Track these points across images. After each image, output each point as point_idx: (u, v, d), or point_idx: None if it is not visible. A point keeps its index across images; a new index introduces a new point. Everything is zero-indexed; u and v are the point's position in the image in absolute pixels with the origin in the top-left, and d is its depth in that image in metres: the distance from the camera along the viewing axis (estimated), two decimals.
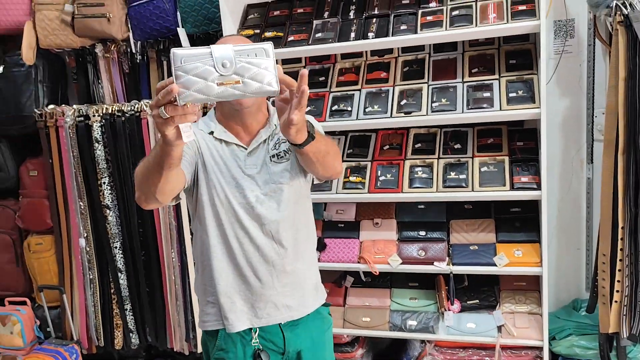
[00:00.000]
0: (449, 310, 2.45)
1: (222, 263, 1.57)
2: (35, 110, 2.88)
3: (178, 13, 2.65)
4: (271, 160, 1.58)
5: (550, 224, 2.51)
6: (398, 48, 2.57)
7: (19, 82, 2.92)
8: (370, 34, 2.33)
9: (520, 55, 2.38)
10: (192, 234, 1.81)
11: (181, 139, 1.14)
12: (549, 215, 2.28)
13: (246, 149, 1.58)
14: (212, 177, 1.55)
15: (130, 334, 2.92)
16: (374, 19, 2.38)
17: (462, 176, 2.36)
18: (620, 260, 2.09)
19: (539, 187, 2.23)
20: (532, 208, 2.43)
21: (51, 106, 2.89)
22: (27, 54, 2.82)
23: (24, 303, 3.08)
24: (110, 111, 2.73)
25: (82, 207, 2.85)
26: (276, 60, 1.18)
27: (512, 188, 2.27)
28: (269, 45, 1.10)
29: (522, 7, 2.19)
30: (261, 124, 1.61)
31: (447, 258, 2.43)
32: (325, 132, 2.64)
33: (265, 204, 1.56)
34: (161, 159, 1.25)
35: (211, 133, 1.59)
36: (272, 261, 1.57)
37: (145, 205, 1.46)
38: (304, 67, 2.70)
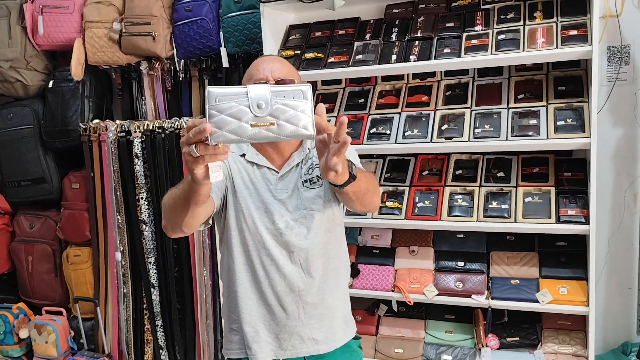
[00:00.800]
0: (487, 346, 2.32)
1: (247, 291, 1.52)
2: (80, 124, 2.95)
3: (221, 33, 2.68)
4: (303, 185, 1.53)
5: (599, 261, 2.37)
6: (441, 72, 2.50)
7: (67, 96, 3.00)
8: (412, 57, 2.28)
9: (570, 81, 2.28)
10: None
11: (209, 179, 1.11)
12: (598, 251, 2.15)
13: (278, 172, 1.54)
14: (241, 202, 1.51)
15: (160, 351, 2.91)
16: (417, 42, 2.33)
17: (505, 206, 2.25)
18: None
19: (587, 221, 2.10)
20: (579, 243, 2.29)
21: (95, 121, 2.96)
22: (76, 69, 2.91)
23: (60, 313, 3.13)
24: (150, 127, 2.76)
25: (120, 221, 2.89)
26: (314, 94, 1.14)
27: (559, 221, 2.15)
28: (307, 88, 1.06)
29: (573, 32, 2.10)
30: (294, 147, 1.57)
31: (486, 291, 2.31)
32: (363, 156, 2.64)
33: (295, 230, 1.50)
34: (188, 195, 1.22)
35: (243, 155, 1.56)
36: (298, 291, 1.51)
37: (171, 234, 1.44)
38: (344, 88, 2.67)
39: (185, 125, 2.68)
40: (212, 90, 1.02)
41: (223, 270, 1.60)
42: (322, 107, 1.13)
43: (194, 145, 1.04)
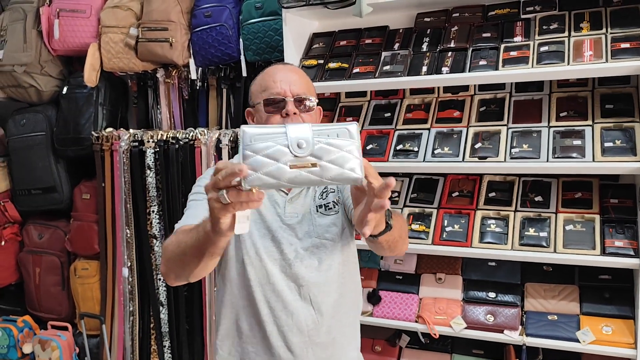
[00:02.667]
0: None
1: (248, 330, 1.36)
2: (93, 132, 2.84)
3: (241, 40, 2.55)
4: (317, 211, 1.39)
5: None
6: (475, 85, 2.32)
7: (80, 103, 2.90)
8: (445, 69, 2.10)
9: (618, 99, 2.07)
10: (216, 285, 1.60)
11: (232, 230, 0.97)
12: None
13: (287, 194, 1.39)
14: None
15: None
16: (450, 53, 2.15)
17: (543, 234, 2.05)
18: None
19: (636, 254, 1.90)
20: (624, 277, 2.08)
21: (109, 129, 2.85)
22: (90, 75, 2.80)
23: (65, 328, 3.01)
24: (164, 138, 2.63)
25: (129, 235, 2.75)
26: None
27: (604, 253, 1.94)
28: (353, 127, 0.95)
29: (624, 45, 1.90)
30: None
31: (520, 327, 2.11)
32: (388, 174, 2.45)
33: (305, 261, 1.35)
34: (203, 246, 1.08)
35: None
36: (307, 331, 1.34)
37: (172, 283, 1.29)
38: (369, 101, 2.50)
39: (200, 137, 2.55)
40: (247, 130, 0.91)
41: (220, 305, 1.43)
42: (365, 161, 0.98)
43: (224, 191, 0.91)
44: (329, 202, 1.39)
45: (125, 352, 2.83)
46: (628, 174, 2.00)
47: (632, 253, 1.91)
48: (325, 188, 1.42)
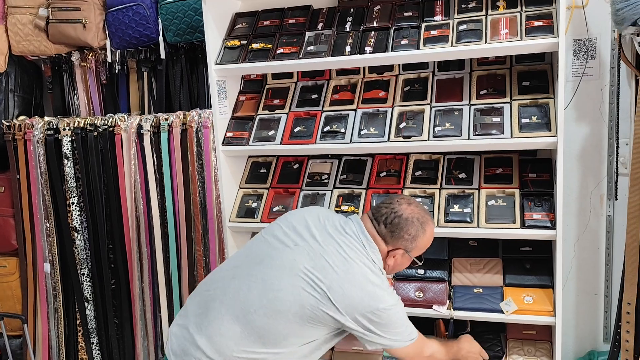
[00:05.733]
0: None
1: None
2: (4, 121, 2.66)
3: (159, 20, 2.43)
4: None
5: (565, 266, 2.25)
6: (399, 65, 2.33)
7: None
8: (368, 49, 2.09)
9: (534, 76, 2.13)
10: None
11: None
12: (564, 256, 2.02)
13: None
14: None
15: None
16: (372, 33, 2.14)
17: (467, 210, 2.09)
18: None
19: (553, 226, 1.97)
20: (544, 248, 2.16)
21: (21, 117, 2.67)
22: None
23: None
24: (82, 125, 2.49)
25: (49, 229, 2.61)
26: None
27: (523, 225, 2.00)
28: None
29: (538, 23, 1.95)
30: None
31: (448, 301, 2.15)
32: (317, 156, 2.45)
33: None
34: None
35: None
36: None
37: None
38: (296, 82, 2.46)
39: (120, 123, 2.43)
40: None
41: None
42: None
43: None
44: None
45: (51, 352, 2.70)
46: (544, 148, 2.06)
47: (549, 225, 1.98)
48: None
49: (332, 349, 2.38)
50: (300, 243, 1.64)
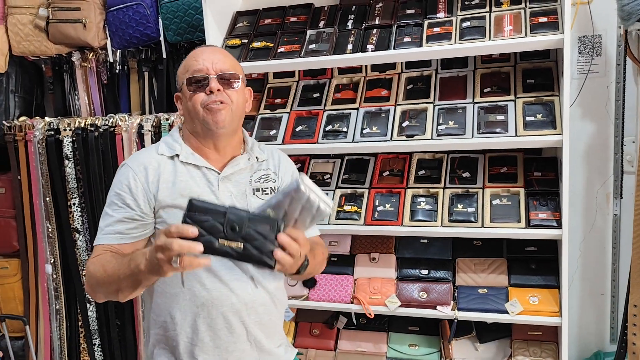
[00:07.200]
0: None
1: (181, 319, 1.37)
2: (4, 122, 2.64)
3: (160, 20, 2.41)
4: (253, 194, 1.41)
5: (571, 266, 2.22)
6: (401, 63, 2.30)
7: None
8: (370, 47, 2.06)
9: (539, 74, 2.10)
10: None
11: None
12: (570, 256, 1.99)
13: (219, 173, 1.39)
14: (169, 216, 1.34)
15: None
16: (375, 30, 2.12)
17: (471, 209, 2.07)
18: None
19: (559, 225, 1.94)
20: (550, 248, 2.14)
21: (22, 118, 2.66)
22: None
23: None
24: (82, 125, 2.48)
25: (50, 230, 2.60)
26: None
27: (528, 225, 1.98)
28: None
29: (542, 20, 1.92)
30: (236, 150, 1.45)
31: (452, 302, 2.13)
32: (319, 156, 2.42)
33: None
34: (137, 282, 1.18)
35: (175, 156, 1.39)
36: (246, 309, 1.38)
37: (99, 300, 1.35)
38: (297, 81, 2.44)
39: (121, 123, 2.41)
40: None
41: (149, 305, 1.43)
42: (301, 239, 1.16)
43: (176, 258, 1.04)
44: (267, 188, 1.42)
45: (53, 353, 2.69)
46: (549, 147, 2.04)
47: (555, 224, 1.95)
48: (264, 175, 1.46)
49: (335, 349, 2.36)
50: None
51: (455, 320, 2.11)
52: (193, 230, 1.04)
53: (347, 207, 2.22)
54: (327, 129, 2.21)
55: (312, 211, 1.16)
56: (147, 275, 1.14)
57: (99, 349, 2.62)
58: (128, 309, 2.55)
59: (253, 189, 1.41)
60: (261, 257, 1.11)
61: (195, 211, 1.07)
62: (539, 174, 2.12)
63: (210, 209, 1.08)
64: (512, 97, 2.07)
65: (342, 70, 2.39)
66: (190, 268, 1.06)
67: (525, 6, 1.99)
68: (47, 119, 2.59)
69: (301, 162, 2.41)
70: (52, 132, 2.52)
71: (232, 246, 1.08)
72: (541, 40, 1.86)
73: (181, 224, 1.06)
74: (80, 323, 2.65)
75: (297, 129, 2.25)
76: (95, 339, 2.61)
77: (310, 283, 2.30)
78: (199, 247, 1.04)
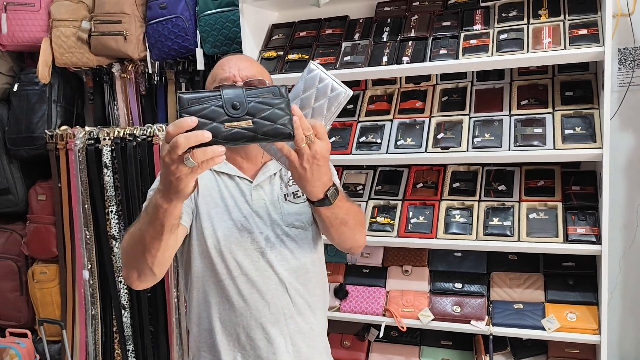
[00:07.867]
0: None
1: (221, 328, 1.34)
2: (47, 131, 2.73)
3: (198, 32, 2.47)
4: (285, 199, 1.37)
5: (610, 283, 2.16)
6: (436, 75, 2.30)
7: (32, 101, 2.78)
8: (405, 59, 2.07)
9: (578, 86, 2.07)
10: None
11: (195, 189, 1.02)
12: (610, 272, 1.94)
13: (251, 182, 1.36)
14: (206, 225, 1.31)
15: None
16: (410, 42, 2.12)
17: (507, 223, 2.04)
18: None
19: (598, 240, 1.90)
20: (588, 263, 2.09)
21: (63, 127, 2.74)
22: (43, 71, 2.69)
23: (24, 335, 2.89)
24: (121, 135, 2.54)
25: (88, 237, 2.66)
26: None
27: (566, 240, 1.94)
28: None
29: (582, 32, 1.89)
30: (267, 156, 1.40)
31: (487, 317, 2.10)
32: (352, 167, 2.43)
33: (276, 250, 1.33)
34: (161, 223, 1.07)
35: None
36: (285, 320, 1.35)
37: (137, 285, 1.24)
38: None
39: (159, 133, 2.46)
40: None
41: (190, 311, 1.40)
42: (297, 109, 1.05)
43: (189, 156, 0.92)
44: (297, 190, 1.37)
45: (88, 357, 2.74)
46: (588, 160, 2.00)
47: (594, 239, 1.91)
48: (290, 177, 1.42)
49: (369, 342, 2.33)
50: None
51: (491, 336, 2.08)
52: (192, 119, 0.93)
53: (379, 219, 2.21)
54: (360, 140, 2.22)
55: (327, 92, 1.11)
56: (166, 203, 1.02)
57: (133, 355, 2.66)
58: (162, 316, 2.58)
59: (284, 195, 1.40)
60: (276, 128, 1.00)
61: (188, 105, 0.97)
62: (577, 188, 2.08)
63: (203, 97, 0.98)
64: (550, 109, 2.04)
65: (376, 82, 2.40)
66: (205, 158, 0.93)
67: (565, 18, 1.97)
68: (87, 128, 2.66)
69: None
70: (92, 141, 2.59)
71: (241, 126, 0.97)
72: (582, 53, 1.84)
73: (178, 119, 0.96)
74: (115, 329, 2.69)
75: (331, 140, 2.26)
76: (129, 344, 2.66)
77: (341, 294, 2.30)
78: (205, 133, 0.93)
